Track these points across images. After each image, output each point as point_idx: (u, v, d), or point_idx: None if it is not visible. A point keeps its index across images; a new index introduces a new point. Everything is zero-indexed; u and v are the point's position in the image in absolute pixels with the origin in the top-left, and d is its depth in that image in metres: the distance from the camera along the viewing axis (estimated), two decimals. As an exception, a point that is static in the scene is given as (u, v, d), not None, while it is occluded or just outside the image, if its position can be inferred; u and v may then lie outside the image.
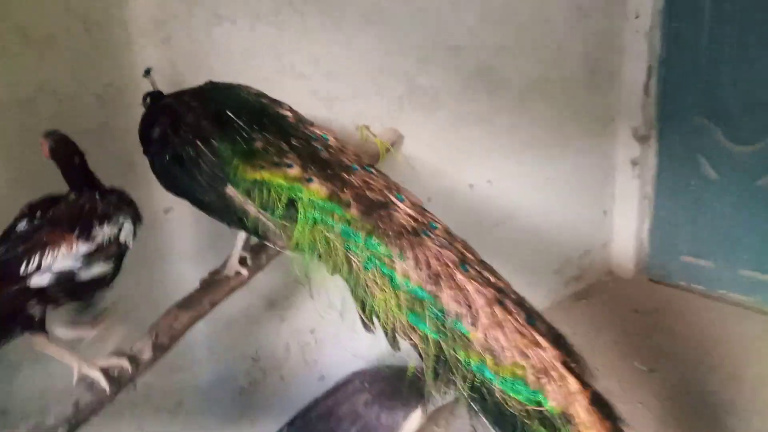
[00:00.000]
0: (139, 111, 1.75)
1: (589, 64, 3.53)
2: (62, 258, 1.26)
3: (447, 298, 1.28)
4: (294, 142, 1.52)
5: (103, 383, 1.32)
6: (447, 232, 1.47)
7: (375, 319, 1.37)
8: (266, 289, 2.27)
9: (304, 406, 2.27)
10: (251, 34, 2.13)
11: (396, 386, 2.20)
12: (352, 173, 1.48)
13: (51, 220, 1.30)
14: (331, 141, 1.59)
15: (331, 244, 1.39)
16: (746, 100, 3.36)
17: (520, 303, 1.32)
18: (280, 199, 1.42)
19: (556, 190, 3.53)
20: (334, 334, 2.52)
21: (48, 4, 1.69)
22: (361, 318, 1.39)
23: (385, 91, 2.54)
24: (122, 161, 1.83)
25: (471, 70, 2.84)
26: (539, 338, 1.25)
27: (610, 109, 3.77)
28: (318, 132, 1.59)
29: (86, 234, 1.30)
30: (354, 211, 1.38)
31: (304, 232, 1.40)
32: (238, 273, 1.72)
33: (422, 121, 2.72)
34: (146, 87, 1.69)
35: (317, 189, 1.41)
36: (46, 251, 1.24)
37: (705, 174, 3.60)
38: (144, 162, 1.69)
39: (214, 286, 1.67)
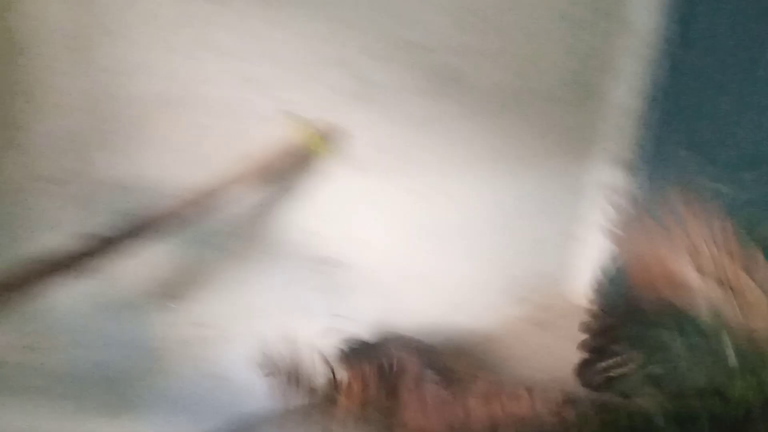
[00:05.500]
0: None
1: (573, 81, 3.34)
2: None
3: None
4: None
5: None
6: None
7: None
8: (157, 273, 2.15)
9: None
10: (181, 2, 1.98)
11: None
12: None
13: None
14: None
15: None
16: (733, 140, 3.18)
17: None
18: None
19: (518, 209, 3.36)
20: (229, 333, 2.41)
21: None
22: None
23: (332, 83, 2.38)
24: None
25: (428, 71, 2.66)
26: None
27: (590, 131, 3.58)
28: None
29: None
30: None
31: None
32: None
33: (373, 121, 2.56)
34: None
35: None
36: None
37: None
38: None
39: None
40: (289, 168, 2.27)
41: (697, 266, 1.81)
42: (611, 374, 2.05)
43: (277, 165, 2.15)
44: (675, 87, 3.41)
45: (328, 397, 2.00)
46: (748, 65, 3.05)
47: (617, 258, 3.63)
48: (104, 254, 1.76)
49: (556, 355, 3.33)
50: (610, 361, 2.09)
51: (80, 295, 1.94)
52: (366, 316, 2.80)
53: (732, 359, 1.58)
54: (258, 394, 2.58)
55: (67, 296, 1.93)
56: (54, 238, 1.69)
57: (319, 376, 2.38)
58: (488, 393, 1.75)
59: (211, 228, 2.17)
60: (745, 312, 1.70)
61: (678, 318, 1.86)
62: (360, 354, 2.43)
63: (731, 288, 1.74)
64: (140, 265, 2.00)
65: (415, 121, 2.72)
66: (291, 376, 2.04)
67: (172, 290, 2.14)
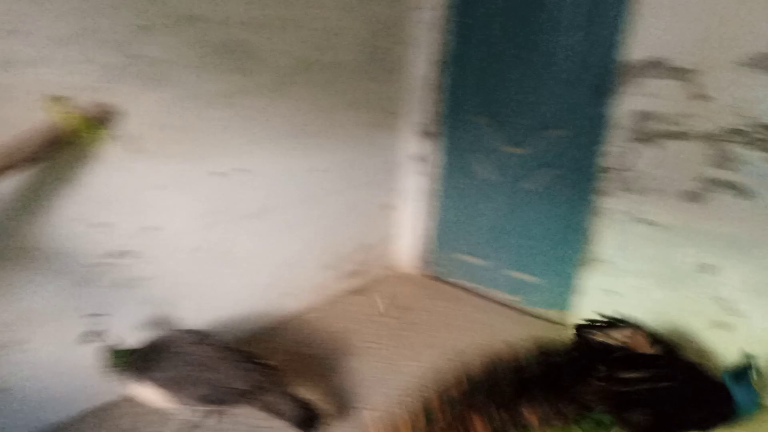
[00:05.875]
0: None
1: (371, 52, 3.38)
2: None
3: None
4: None
5: None
6: None
7: None
8: None
9: None
10: None
11: None
12: None
13: None
14: None
15: None
16: (518, 103, 3.39)
17: None
18: None
19: (330, 183, 3.37)
20: (5, 342, 2.16)
21: None
22: None
23: (99, 61, 2.16)
24: None
25: (214, 45, 2.54)
26: None
27: (394, 102, 3.67)
28: None
29: None
30: None
31: None
32: None
33: (154, 100, 2.37)
34: None
35: None
36: None
37: (482, 174, 3.62)
38: None
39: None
40: (53, 155, 2.05)
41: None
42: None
43: (37, 153, 1.92)
44: (466, 55, 3.57)
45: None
46: (527, 30, 3.26)
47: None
48: None
49: (368, 313, 3.44)
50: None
51: None
52: (168, 309, 2.65)
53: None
54: (48, 403, 2.35)
55: None
56: None
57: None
58: None
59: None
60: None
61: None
62: (145, 357, 2.21)
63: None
64: None
65: (206, 98, 2.58)
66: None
67: None
